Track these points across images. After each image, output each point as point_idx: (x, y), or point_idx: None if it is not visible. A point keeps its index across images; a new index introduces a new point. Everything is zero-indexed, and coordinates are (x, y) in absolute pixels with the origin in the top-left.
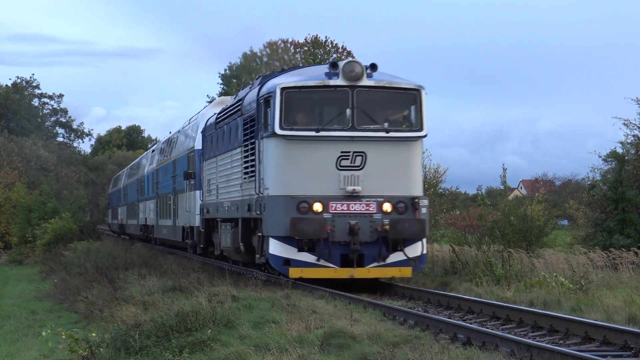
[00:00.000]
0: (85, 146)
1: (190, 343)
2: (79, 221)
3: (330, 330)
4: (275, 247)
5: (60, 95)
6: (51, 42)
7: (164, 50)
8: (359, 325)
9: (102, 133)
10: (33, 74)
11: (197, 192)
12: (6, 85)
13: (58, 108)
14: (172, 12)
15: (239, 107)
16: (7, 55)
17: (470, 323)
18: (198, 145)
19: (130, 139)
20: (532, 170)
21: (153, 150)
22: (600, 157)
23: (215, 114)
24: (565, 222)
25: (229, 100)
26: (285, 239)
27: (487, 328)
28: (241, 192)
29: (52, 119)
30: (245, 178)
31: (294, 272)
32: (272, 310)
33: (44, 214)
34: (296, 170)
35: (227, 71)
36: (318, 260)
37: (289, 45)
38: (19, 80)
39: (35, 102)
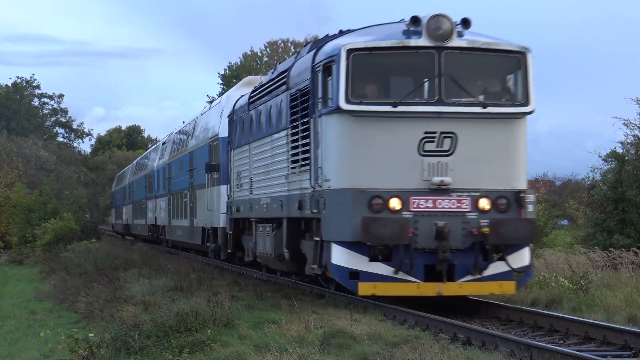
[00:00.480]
0: (85, 146)
1: (190, 343)
2: (80, 221)
3: (330, 330)
4: (340, 256)
5: (61, 96)
6: (50, 42)
7: (163, 50)
8: (359, 325)
9: (102, 133)
10: (33, 74)
11: (222, 187)
12: (6, 85)
13: (58, 108)
14: (171, 13)
15: (284, 80)
16: (6, 55)
17: (470, 323)
18: (223, 132)
19: (131, 139)
20: (532, 170)
21: (164, 143)
22: (600, 157)
23: (246, 94)
24: (565, 222)
25: (259, 80)
26: (353, 245)
27: (487, 328)
28: (287, 185)
29: (52, 119)
30: (293, 168)
31: (365, 288)
32: (272, 310)
33: (44, 214)
34: (367, 156)
35: (227, 71)
36: (396, 272)
37: (289, 45)
38: (19, 80)
39: (36, 102)
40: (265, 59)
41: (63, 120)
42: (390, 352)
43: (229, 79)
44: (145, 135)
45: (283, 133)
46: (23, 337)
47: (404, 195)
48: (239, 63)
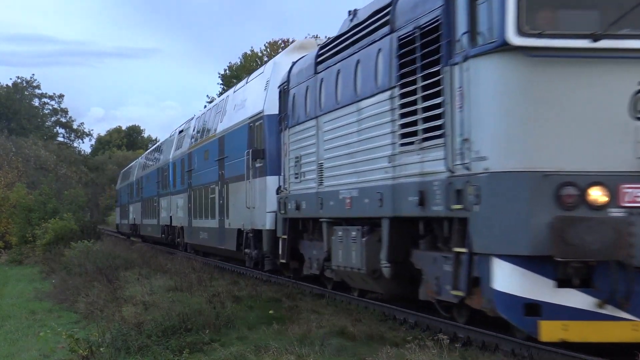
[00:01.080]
0: (85, 146)
1: (191, 343)
2: (79, 221)
3: (331, 330)
4: (510, 278)
5: (61, 96)
6: (48, 43)
7: (162, 50)
8: (360, 325)
9: (101, 133)
10: (33, 74)
11: (270, 178)
12: (7, 85)
13: (58, 108)
14: (169, 13)
15: (384, 19)
16: (3, 55)
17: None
18: (270, 108)
19: (131, 139)
20: None
21: (181, 131)
22: None
23: (304, 56)
24: None
25: (314, 44)
26: (529, 262)
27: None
28: (392, 170)
29: (53, 119)
30: (407, 144)
31: (550, 330)
32: (273, 310)
33: (44, 214)
34: (549, 119)
35: (227, 71)
36: (601, 305)
37: (289, 45)
38: (19, 81)
39: (36, 102)
40: (265, 59)
41: (63, 120)
42: (390, 352)
43: (229, 79)
44: (145, 135)
45: (383, 96)
46: (23, 337)
47: (611, 182)
48: (239, 63)
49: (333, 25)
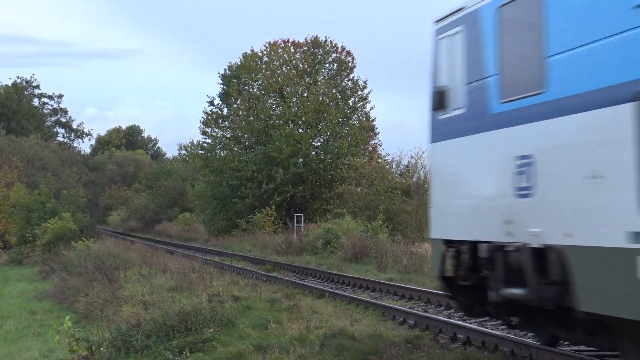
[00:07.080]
0: (84, 146)
1: (191, 343)
2: (78, 221)
3: (331, 330)
4: None
5: (60, 96)
6: (29, 43)
7: (153, 51)
8: (359, 325)
9: (100, 133)
10: (34, 74)
11: None
12: (6, 85)
13: (58, 108)
14: (161, 13)
15: None
16: None
17: (470, 323)
18: None
19: (130, 140)
20: None
21: None
22: None
23: None
24: None
25: None
26: None
27: (487, 328)
28: None
29: (52, 119)
30: None
31: None
32: (272, 310)
33: (44, 214)
34: None
35: (227, 71)
36: None
37: (289, 45)
38: (19, 80)
39: (35, 102)
40: (265, 59)
41: (63, 120)
42: (390, 352)
43: (229, 79)
44: (145, 135)
45: None
46: (23, 336)
47: None
48: (239, 63)
49: (333, 25)
